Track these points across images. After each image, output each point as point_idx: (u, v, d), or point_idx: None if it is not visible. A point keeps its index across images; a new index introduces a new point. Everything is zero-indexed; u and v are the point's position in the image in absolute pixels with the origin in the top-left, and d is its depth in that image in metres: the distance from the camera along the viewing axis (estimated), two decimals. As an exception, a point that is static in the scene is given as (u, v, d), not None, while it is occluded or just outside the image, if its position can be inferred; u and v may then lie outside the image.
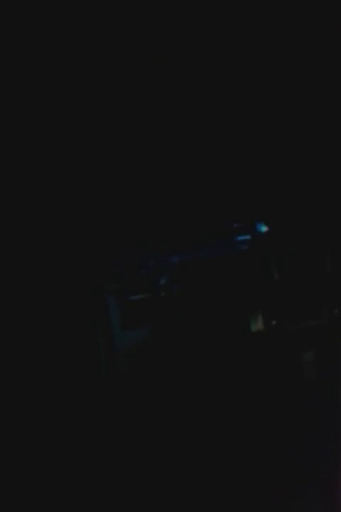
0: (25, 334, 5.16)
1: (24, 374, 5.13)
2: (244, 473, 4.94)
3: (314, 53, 5.92)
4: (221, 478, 4.89)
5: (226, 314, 5.43)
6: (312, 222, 5.59)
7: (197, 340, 5.36)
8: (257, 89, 5.61)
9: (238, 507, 4.72)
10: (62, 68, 5.80)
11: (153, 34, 5.70)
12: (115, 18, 5.65)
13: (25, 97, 5.79)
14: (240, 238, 5.51)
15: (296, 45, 5.91)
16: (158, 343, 5.30)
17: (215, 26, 5.78)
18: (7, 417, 5.01)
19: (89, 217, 5.28)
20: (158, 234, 5.25)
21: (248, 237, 5.52)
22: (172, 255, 5.33)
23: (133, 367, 5.21)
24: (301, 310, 5.58)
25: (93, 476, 4.84)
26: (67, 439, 4.96)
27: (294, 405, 5.24)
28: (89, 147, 5.51)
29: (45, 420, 5.02)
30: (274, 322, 5.49)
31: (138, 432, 4.97)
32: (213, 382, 5.29)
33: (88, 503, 4.74)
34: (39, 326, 5.18)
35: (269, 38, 5.89)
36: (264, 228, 5.49)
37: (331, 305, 5.61)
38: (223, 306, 5.42)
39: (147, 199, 5.27)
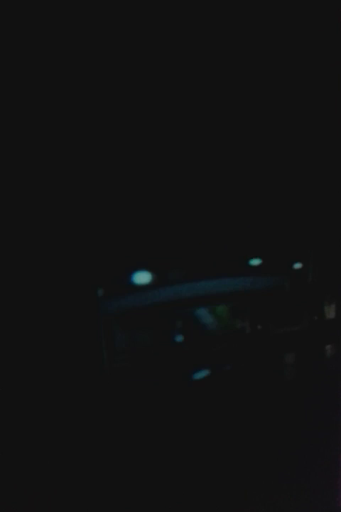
0: (30, 329, 5.61)
1: (28, 368, 5.56)
2: (236, 462, 5.38)
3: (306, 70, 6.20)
4: (218, 470, 5.29)
5: (217, 318, 5.92)
6: (296, 238, 6.08)
7: (192, 339, 5.84)
8: (251, 121, 6.02)
9: (227, 501, 5.09)
10: (62, 71, 5.99)
11: (152, 35, 5.95)
12: (115, 19, 5.70)
13: (25, 100, 6.04)
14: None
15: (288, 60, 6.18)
16: (156, 342, 5.78)
17: (215, 28, 5.93)
18: (9, 407, 5.43)
19: (94, 228, 5.74)
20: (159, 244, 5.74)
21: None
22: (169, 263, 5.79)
23: (132, 364, 5.69)
24: (284, 316, 6.07)
25: (93, 466, 5.24)
26: (68, 432, 5.36)
27: (275, 402, 5.73)
28: (93, 168, 5.91)
29: (47, 412, 5.44)
30: (260, 326, 5.98)
31: (137, 426, 5.42)
32: (205, 378, 5.77)
33: (88, 498, 5.09)
34: (45, 323, 5.63)
35: (266, 47, 6.16)
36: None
37: (311, 312, 6.12)
38: (214, 308, 5.91)
39: (148, 211, 5.74)
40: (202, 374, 5.74)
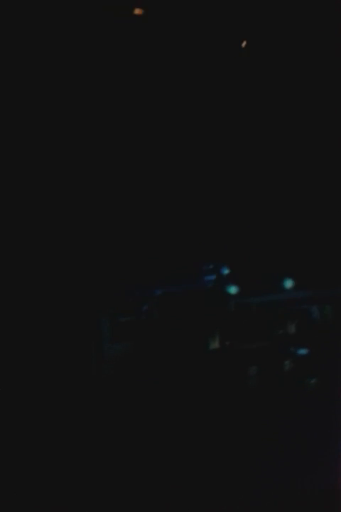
0: (32, 342, 6.44)
1: (29, 374, 6.37)
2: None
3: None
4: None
5: (193, 334, 6.77)
6: (261, 269, 6.91)
7: (170, 353, 6.70)
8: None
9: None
10: (65, 77, 6.24)
11: (153, 36, 6.17)
12: (116, 22, 6.10)
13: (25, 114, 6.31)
14: (207, 278, 6.86)
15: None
16: (139, 354, 6.65)
17: (216, 28, 6.22)
18: (7, 412, 6.15)
19: (90, 254, 6.55)
20: (144, 271, 6.57)
21: (213, 277, 6.87)
22: (155, 288, 6.65)
23: (119, 372, 6.56)
24: (249, 334, 6.93)
25: (85, 463, 5.85)
26: (62, 429, 6.13)
27: (239, 407, 6.57)
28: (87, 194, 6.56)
29: (43, 414, 6.21)
30: (228, 342, 6.83)
31: (123, 424, 6.25)
32: (181, 385, 6.62)
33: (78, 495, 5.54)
34: (45, 337, 6.45)
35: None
36: (226, 271, 6.82)
37: (272, 332, 6.99)
38: (190, 328, 6.77)
39: (137, 243, 6.55)
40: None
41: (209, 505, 5.40)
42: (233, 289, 6.72)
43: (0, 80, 6.22)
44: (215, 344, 6.81)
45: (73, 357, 6.46)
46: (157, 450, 6.09)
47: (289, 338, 6.96)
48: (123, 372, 6.57)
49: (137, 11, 5.60)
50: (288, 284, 6.90)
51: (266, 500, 5.49)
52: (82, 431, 6.17)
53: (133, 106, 6.51)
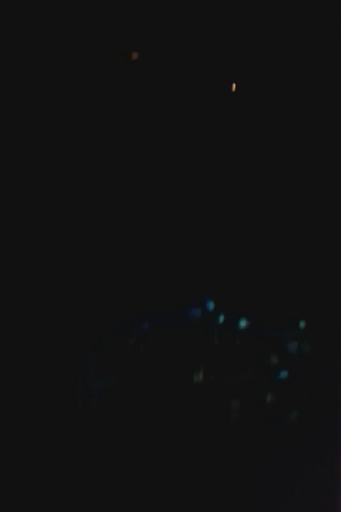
0: (15, 375, 6.43)
1: (12, 407, 6.34)
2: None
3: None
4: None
5: (177, 368, 6.84)
6: (243, 304, 7.03)
7: (155, 387, 6.75)
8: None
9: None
10: (63, 76, 6.21)
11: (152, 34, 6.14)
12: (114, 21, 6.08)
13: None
14: (192, 311, 6.92)
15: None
16: (124, 388, 6.68)
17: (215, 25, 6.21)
18: None
19: (75, 287, 6.57)
20: (130, 305, 6.61)
21: (199, 310, 6.94)
22: (142, 322, 6.70)
23: (104, 405, 6.59)
24: (233, 368, 7.03)
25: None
26: (46, 462, 6.19)
27: (221, 443, 6.68)
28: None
29: (26, 444, 6.23)
30: (211, 376, 6.92)
31: (107, 457, 6.32)
32: (164, 419, 6.69)
33: None
34: (28, 369, 6.45)
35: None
36: (212, 305, 6.90)
37: (256, 366, 7.10)
38: (175, 361, 6.83)
39: (123, 276, 6.59)
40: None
41: None
42: (242, 323, 6.80)
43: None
44: (199, 377, 6.88)
45: (57, 390, 6.45)
46: (140, 482, 6.15)
47: (271, 371, 7.06)
48: (109, 405, 6.59)
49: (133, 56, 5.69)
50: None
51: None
52: (65, 464, 6.21)
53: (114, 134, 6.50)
